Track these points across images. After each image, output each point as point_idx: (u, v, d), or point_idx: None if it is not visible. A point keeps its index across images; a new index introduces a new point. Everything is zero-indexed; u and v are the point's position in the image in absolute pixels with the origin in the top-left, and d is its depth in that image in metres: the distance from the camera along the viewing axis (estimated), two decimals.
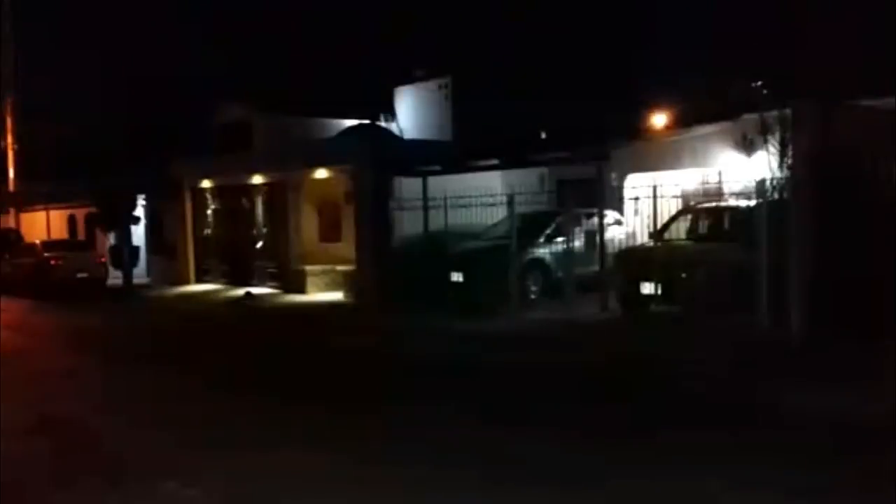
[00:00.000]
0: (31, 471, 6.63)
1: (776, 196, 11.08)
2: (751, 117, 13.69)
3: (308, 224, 21.25)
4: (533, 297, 14.93)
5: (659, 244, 13.33)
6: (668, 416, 7.69)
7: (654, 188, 13.72)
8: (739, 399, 8.19)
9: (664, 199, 14.43)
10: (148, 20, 32.30)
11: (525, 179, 16.85)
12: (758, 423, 7.34)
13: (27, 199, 31.14)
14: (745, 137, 12.36)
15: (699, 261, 12.13)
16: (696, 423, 7.39)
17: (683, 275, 12.13)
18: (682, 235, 13.51)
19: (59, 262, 22.66)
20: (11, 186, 32.25)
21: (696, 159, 15.09)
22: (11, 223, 31.25)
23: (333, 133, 23.26)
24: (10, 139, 32.17)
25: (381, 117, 25.64)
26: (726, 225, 13.11)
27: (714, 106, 14.80)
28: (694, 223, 13.54)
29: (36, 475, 6.51)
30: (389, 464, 6.44)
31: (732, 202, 13.21)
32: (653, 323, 12.65)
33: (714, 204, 13.65)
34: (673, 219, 13.78)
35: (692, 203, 14.27)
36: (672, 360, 9.96)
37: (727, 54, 15.97)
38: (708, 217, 13.51)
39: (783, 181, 11.03)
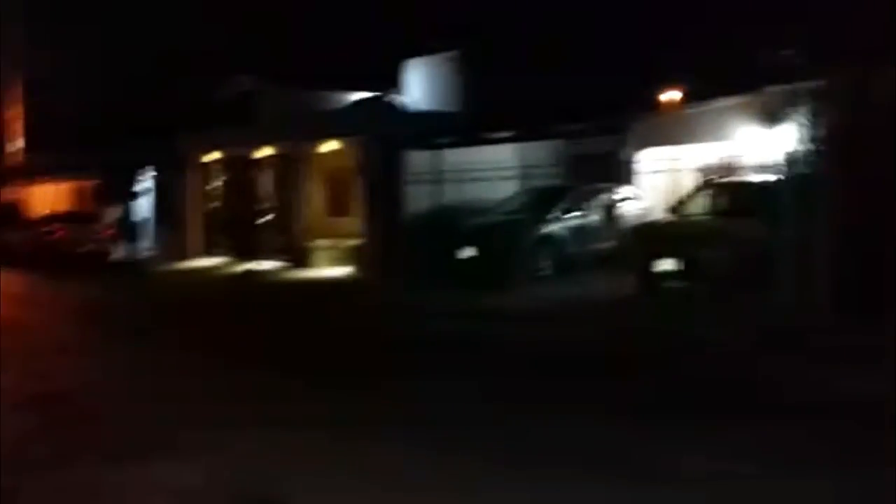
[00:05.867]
0: (26, 449, 6.30)
1: (803, 170, 10.63)
2: (774, 89, 13.23)
3: (316, 198, 20.86)
4: (546, 272, 14.54)
5: (678, 219, 12.92)
6: (689, 397, 7.40)
7: (674, 161, 13.28)
8: (763, 378, 7.91)
9: (682, 174, 14.02)
10: None
11: (538, 154, 16.41)
12: (782, 403, 7.07)
13: (33, 172, 30.78)
14: (770, 110, 11.87)
15: (720, 236, 11.70)
16: (720, 403, 7.13)
17: (704, 251, 11.71)
18: (702, 210, 13.07)
19: (62, 235, 22.32)
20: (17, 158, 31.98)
21: (716, 133, 14.61)
22: (17, 196, 30.93)
23: (340, 107, 22.76)
24: (14, 111, 31.84)
25: (389, 91, 25.14)
26: (748, 200, 12.66)
27: (735, 78, 14.30)
28: (714, 198, 13.06)
29: (31, 453, 6.18)
30: (390, 441, 6.13)
31: (754, 177, 12.76)
32: (671, 300, 12.25)
33: (735, 178, 13.19)
34: (692, 193, 13.35)
35: (712, 177, 13.81)
36: (696, 339, 9.60)
37: (750, 26, 15.45)
38: (729, 192, 13.05)
39: (811, 155, 10.57)
